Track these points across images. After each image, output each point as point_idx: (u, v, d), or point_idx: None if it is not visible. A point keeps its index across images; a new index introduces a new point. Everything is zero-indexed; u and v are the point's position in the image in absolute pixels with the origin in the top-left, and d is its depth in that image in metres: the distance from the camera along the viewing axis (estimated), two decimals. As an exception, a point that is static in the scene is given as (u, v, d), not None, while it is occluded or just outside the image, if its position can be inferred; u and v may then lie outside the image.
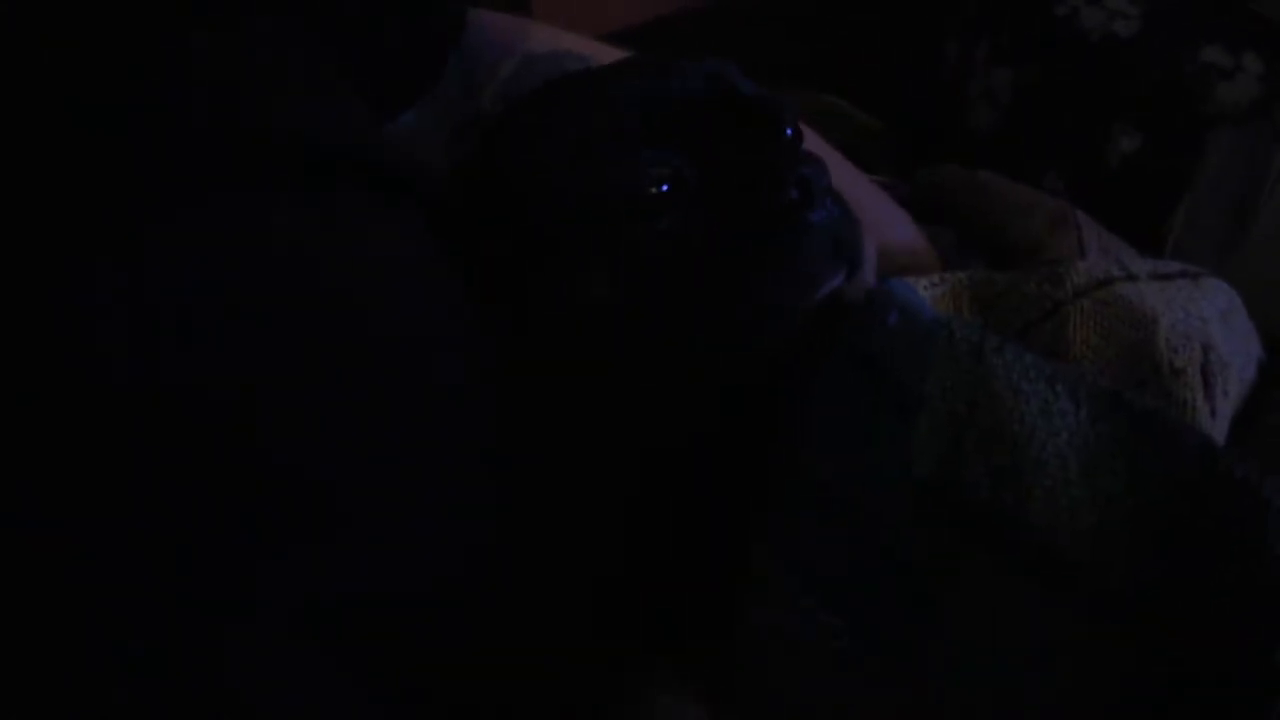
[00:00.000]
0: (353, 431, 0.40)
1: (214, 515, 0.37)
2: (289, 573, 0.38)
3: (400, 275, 0.45)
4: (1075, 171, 0.78)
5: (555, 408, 0.48)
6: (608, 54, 0.63)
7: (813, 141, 0.58)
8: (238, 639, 0.37)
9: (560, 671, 0.45)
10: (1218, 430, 0.48)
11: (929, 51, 0.92)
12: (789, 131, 0.50)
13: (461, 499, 0.43)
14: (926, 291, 0.49)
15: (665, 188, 0.46)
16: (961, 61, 0.88)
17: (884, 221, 0.61)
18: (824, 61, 0.94)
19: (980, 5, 0.89)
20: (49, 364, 0.36)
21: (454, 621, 0.42)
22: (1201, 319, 0.52)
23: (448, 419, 0.44)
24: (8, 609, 0.34)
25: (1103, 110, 0.79)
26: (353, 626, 0.39)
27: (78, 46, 0.40)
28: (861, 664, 0.40)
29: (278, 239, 0.41)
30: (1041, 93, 0.82)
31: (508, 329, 0.48)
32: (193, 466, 0.37)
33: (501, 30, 0.63)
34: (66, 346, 0.36)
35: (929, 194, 0.71)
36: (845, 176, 0.60)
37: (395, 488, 0.41)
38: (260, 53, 0.45)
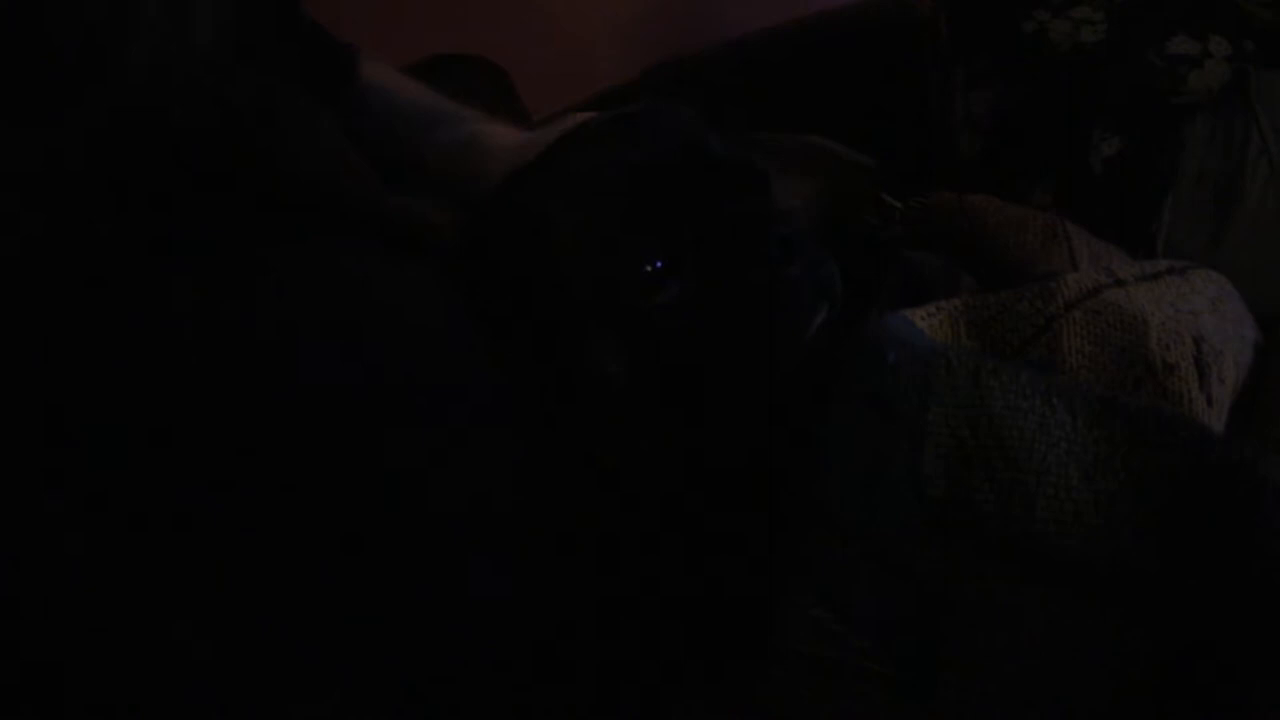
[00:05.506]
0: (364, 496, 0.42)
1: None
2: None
3: (415, 331, 0.47)
4: (1062, 183, 0.81)
5: (573, 462, 0.50)
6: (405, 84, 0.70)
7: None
8: None
9: (598, 700, 0.47)
10: (1216, 417, 0.51)
11: (911, 83, 0.95)
12: (760, 186, 0.53)
13: (484, 551, 0.45)
14: (923, 322, 0.52)
15: (659, 265, 0.49)
16: (942, 89, 0.91)
17: None
18: (809, 102, 0.97)
19: (953, 32, 0.92)
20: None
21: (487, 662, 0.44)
22: (1192, 312, 0.55)
23: (465, 482, 0.45)
24: None
25: (1081, 119, 0.81)
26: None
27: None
28: (896, 682, 0.43)
29: (293, 289, 0.44)
30: (1021, 110, 0.84)
31: (522, 392, 0.50)
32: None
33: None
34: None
35: (922, 222, 0.74)
36: None
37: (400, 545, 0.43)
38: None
